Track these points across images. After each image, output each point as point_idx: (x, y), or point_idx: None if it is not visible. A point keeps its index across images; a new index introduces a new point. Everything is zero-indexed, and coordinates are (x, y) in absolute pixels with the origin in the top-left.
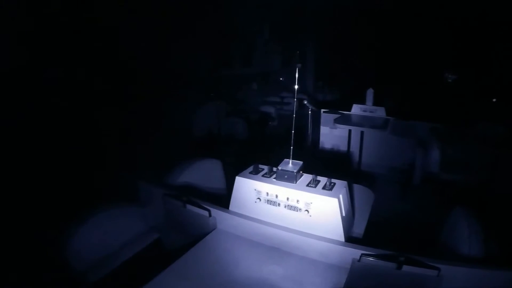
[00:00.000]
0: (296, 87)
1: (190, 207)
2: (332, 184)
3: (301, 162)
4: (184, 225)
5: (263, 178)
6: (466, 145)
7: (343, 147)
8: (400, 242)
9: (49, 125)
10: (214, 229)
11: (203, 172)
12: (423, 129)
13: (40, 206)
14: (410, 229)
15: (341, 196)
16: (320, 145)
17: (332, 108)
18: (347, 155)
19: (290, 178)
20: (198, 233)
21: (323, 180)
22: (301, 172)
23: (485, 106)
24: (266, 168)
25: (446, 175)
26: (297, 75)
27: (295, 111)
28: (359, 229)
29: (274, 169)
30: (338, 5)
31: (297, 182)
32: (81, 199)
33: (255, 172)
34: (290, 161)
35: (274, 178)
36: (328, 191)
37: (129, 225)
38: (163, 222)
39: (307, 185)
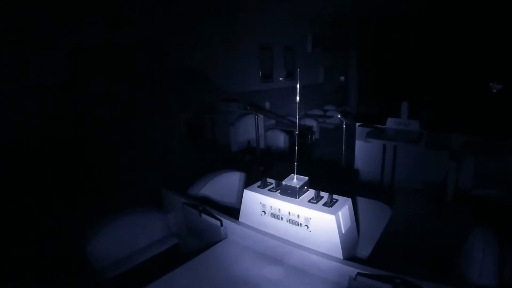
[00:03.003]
0: (297, 98)
1: (204, 216)
2: (334, 200)
3: (306, 178)
4: (200, 233)
5: (269, 192)
6: (504, 158)
7: (376, 161)
8: (411, 263)
9: (86, 134)
10: (225, 238)
11: (227, 184)
12: (458, 142)
13: (71, 209)
14: (428, 248)
15: (340, 213)
16: (355, 159)
17: (370, 121)
18: (379, 169)
19: (292, 193)
20: (211, 242)
21: (326, 196)
22: (305, 187)
23: None
24: (274, 182)
25: (479, 191)
26: (298, 86)
27: (298, 126)
28: (369, 247)
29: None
30: (381, 16)
31: (300, 197)
32: (114, 204)
33: (263, 186)
34: (295, 176)
35: (279, 193)
36: (327, 208)
37: (152, 230)
38: (182, 229)
39: (309, 201)
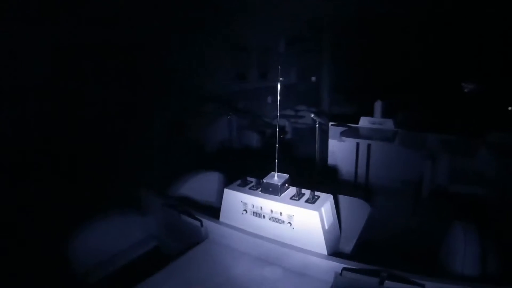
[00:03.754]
0: (278, 98)
1: (184, 217)
2: (316, 197)
3: (286, 175)
4: (180, 234)
5: (249, 190)
6: (478, 156)
7: (350, 159)
8: (393, 257)
9: (58, 134)
10: (206, 238)
11: (206, 184)
12: (432, 141)
13: (47, 210)
14: (408, 244)
15: (323, 209)
16: (328, 158)
17: (344, 121)
18: (353, 167)
19: (274, 190)
20: (191, 242)
21: (307, 193)
22: (286, 185)
23: (501, 115)
24: (254, 181)
25: (455, 187)
26: (279, 87)
27: (278, 124)
28: (350, 243)
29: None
30: (353, 16)
31: (282, 195)
32: (89, 206)
33: (243, 184)
34: (276, 174)
35: (260, 191)
36: (310, 204)
37: (130, 232)
38: (162, 231)
39: (291, 198)
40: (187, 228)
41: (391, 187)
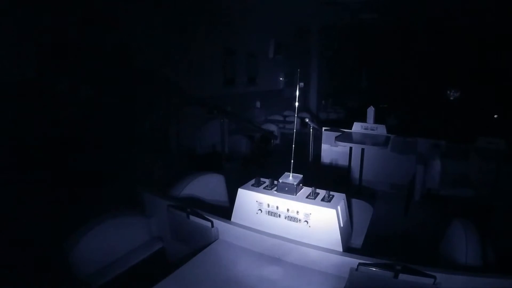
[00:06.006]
0: (296, 104)
1: (193, 218)
2: (331, 196)
3: (301, 176)
4: (187, 236)
5: (264, 190)
6: (467, 160)
7: (344, 164)
8: (398, 254)
9: (59, 135)
10: (216, 239)
11: (207, 186)
12: (423, 146)
13: (51, 213)
14: (409, 242)
15: (339, 207)
16: (322, 162)
17: (334, 127)
18: (348, 172)
19: (290, 190)
20: (200, 244)
21: (322, 192)
22: (301, 185)
23: (487, 122)
24: (267, 181)
25: (446, 190)
26: (297, 93)
27: (295, 128)
28: (358, 241)
29: (275, 182)
30: (343, 24)
31: (297, 194)
32: (90, 208)
33: (257, 184)
34: (291, 174)
35: (275, 191)
36: (326, 203)
37: (134, 235)
38: (167, 232)
39: (307, 197)
40: (195, 229)
41: (385, 190)
